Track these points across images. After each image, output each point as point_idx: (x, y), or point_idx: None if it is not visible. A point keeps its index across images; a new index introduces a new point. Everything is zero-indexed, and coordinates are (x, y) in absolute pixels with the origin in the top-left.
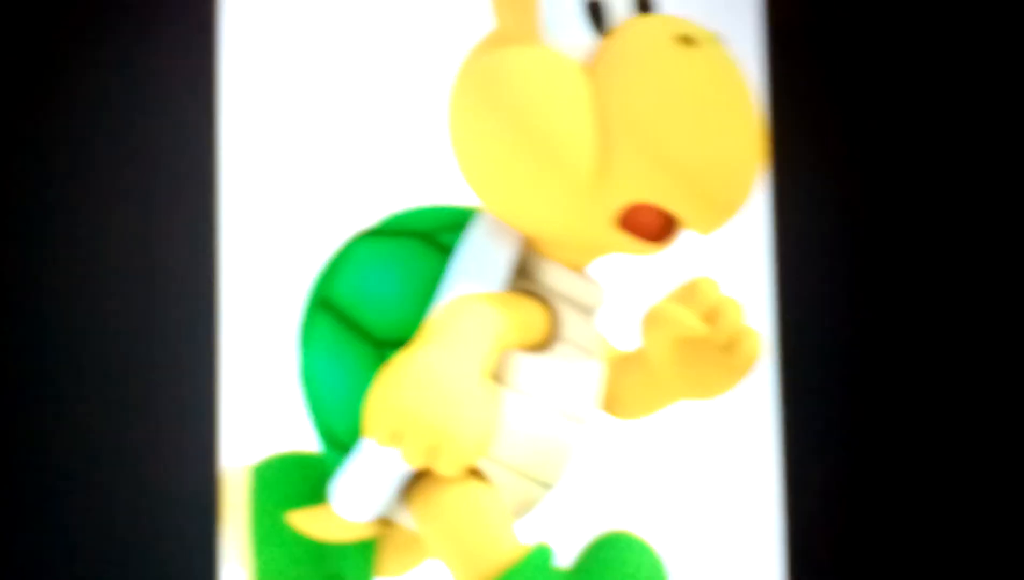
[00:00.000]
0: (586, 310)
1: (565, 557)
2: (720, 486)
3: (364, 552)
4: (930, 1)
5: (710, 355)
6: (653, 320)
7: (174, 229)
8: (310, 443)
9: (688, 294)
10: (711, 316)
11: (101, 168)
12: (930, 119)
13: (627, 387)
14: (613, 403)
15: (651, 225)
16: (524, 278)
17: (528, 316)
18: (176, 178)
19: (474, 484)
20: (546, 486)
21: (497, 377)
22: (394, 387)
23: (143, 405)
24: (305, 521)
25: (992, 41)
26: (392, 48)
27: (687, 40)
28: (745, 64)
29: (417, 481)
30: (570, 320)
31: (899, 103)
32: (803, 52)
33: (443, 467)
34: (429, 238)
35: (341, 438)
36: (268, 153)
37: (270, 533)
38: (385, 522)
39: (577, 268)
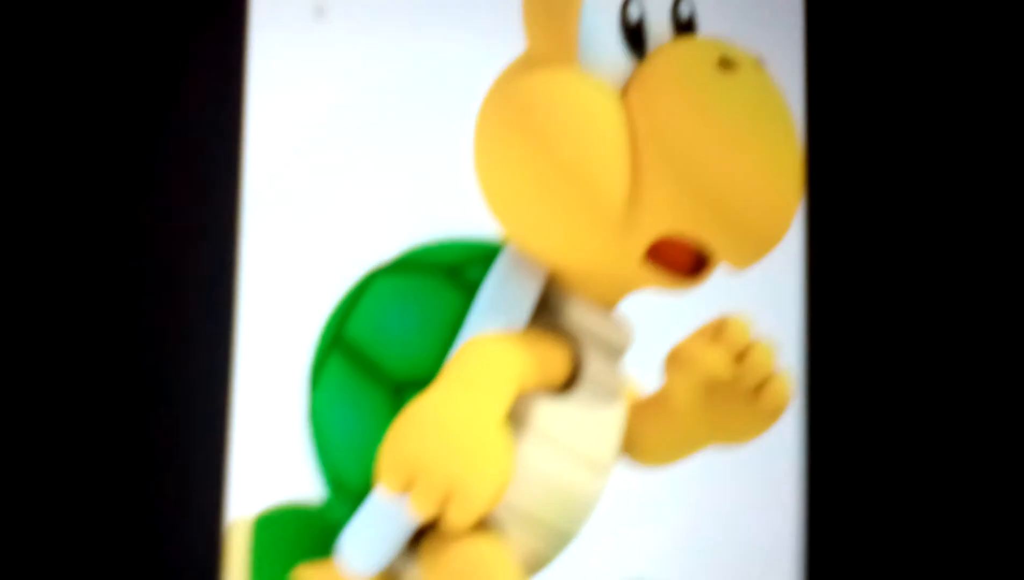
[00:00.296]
0: (612, 351)
1: None
2: (742, 540)
3: None
4: (974, 29)
5: (737, 399)
6: (677, 360)
7: (192, 258)
8: (313, 492)
9: (716, 333)
10: (740, 357)
11: (122, 211)
12: (977, 150)
13: (650, 432)
14: (635, 448)
15: (684, 259)
16: (549, 315)
17: (551, 356)
18: (196, 208)
19: (485, 539)
20: (564, 536)
21: (517, 420)
22: (407, 431)
23: (149, 448)
24: (309, 578)
25: None
26: (417, 70)
27: (727, 64)
28: (788, 89)
29: (428, 535)
30: (595, 361)
31: (948, 133)
32: (847, 75)
33: (455, 516)
34: (453, 273)
35: (351, 486)
36: (288, 176)
37: None
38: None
39: (606, 305)
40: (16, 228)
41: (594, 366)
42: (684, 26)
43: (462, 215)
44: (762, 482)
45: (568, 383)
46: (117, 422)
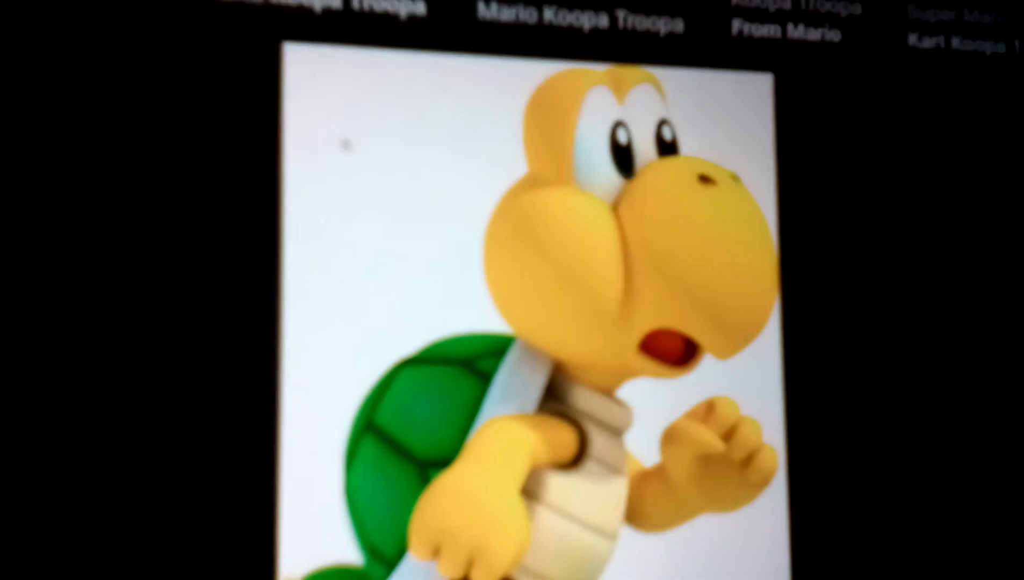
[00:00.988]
0: (614, 430)
1: None
2: None
3: None
4: (933, 141)
5: (728, 471)
6: (673, 437)
7: (239, 362)
8: (354, 557)
9: (707, 413)
10: (729, 434)
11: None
12: (942, 249)
13: (650, 501)
14: (636, 516)
15: (673, 351)
16: (556, 401)
17: (559, 436)
18: (241, 316)
19: None
20: None
21: (531, 492)
22: (434, 503)
23: (203, 523)
24: None
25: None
26: (433, 193)
27: (707, 179)
28: (762, 199)
29: None
30: (599, 440)
31: (914, 236)
32: (815, 187)
33: (479, 578)
34: (468, 365)
35: (385, 553)
36: (323, 286)
37: None
38: None
39: (606, 391)
40: None
41: (598, 444)
42: (668, 146)
43: (476, 315)
44: (754, 552)
45: (576, 460)
46: (185, 494)
